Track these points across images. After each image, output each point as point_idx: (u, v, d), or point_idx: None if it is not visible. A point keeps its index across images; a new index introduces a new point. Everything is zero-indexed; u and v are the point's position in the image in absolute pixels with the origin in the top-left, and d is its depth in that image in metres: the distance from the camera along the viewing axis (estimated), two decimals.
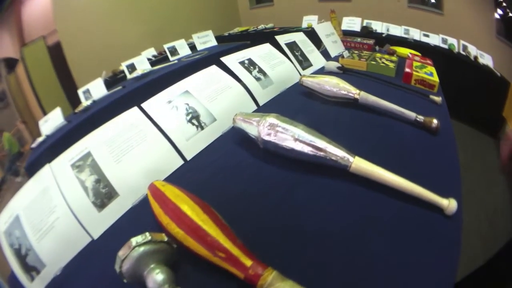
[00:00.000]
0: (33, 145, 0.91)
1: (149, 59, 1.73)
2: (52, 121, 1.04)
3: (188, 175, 0.64)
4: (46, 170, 0.56)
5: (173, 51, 1.90)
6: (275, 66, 1.06)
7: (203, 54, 1.95)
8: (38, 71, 1.13)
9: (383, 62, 1.24)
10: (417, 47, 1.74)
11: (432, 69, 1.21)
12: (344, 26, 2.11)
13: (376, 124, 0.78)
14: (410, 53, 1.43)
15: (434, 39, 1.77)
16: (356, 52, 1.40)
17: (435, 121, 0.72)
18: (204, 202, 0.44)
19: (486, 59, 1.41)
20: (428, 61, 1.36)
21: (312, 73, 1.19)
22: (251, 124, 0.64)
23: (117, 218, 0.55)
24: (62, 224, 0.51)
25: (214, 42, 2.11)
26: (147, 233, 0.37)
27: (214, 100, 0.80)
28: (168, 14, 1.92)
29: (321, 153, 0.55)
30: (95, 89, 1.30)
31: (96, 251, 0.51)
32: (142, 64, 1.66)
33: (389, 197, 0.51)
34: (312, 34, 1.45)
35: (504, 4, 1.30)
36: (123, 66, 1.55)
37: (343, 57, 1.26)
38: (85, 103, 1.18)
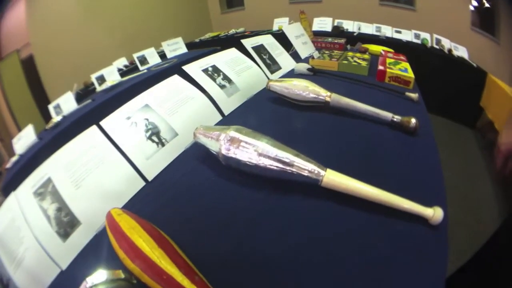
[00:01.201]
0: (8, 166, 0.90)
1: (120, 69, 1.68)
2: (24, 139, 1.00)
3: (148, 199, 0.58)
4: (11, 199, 0.54)
5: (143, 60, 1.84)
6: (241, 72, 0.99)
7: (172, 62, 1.90)
8: (13, 86, 1.12)
9: (355, 61, 1.18)
10: (390, 44, 1.72)
11: (406, 65, 1.16)
12: (315, 27, 2.10)
13: (350, 128, 0.72)
14: (383, 50, 1.38)
15: (407, 35, 1.78)
16: (327, 52, 1.35)
17: (413, 120, 0.66)
18: (161, 233, 0.41)
19: (460, 51, 1.44)
20: (402, 57, 1.31)
21: (281, 77, 1.13)
22: (211, 138, 0.57)
23: (82, 247, 0.52)
24: (31, 254, 0.49)
25: (184, 49, 2.05)
26: (103, 271, 0.35)
27: (175, 113, 0.74)
28: (139, 22, 1.88)
29: (288, 168, 0.48)
30: (65, 104, 1.25)
31: (67, 282, 0.47)
32: (112, 75, 1.61)
33: (366, 211, 0.45)
34: (282, 37, 1.40)
35: None
36: (93, 78, 1.50)
37: (313, 58, 1.20)
38: (55, 119, 1.13)
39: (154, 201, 0.57)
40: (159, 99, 0.75)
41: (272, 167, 0.49)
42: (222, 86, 0.90)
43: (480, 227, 0.86)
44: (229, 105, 0.88)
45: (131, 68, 1.72)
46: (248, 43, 1.09)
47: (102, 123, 0.64)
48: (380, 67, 1.07)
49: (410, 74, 1.02)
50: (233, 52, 1.05)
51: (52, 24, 1.36)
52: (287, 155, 0.49)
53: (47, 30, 1.32)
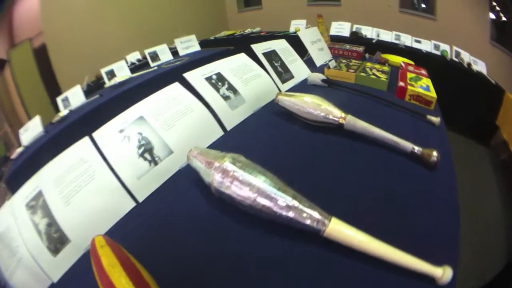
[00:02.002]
0: (13, 156, 0.91)
1: (133, 63, 1.76)
2: (31, 131, 1.02)
3: (136, 223, 0.54)
4: (6, 208, 0.54)
5: (154, 57, 1.85)
6: (249, 81, 0.92)
7: (184, 60, 1.88)
8: (24, 74, 1.14)
9: (373, 74, 1.10)
10: (409, 54, 1.65)
11: (428, 81, 1.08)
12: (332, 31, 2.06)
13: (364, 156, 0.65)
14: (403, 62, 1.29)
15: (426, 45, 1.72)
16: (344, 61, 1.27)
17: (434, 154, 0.59)
18: (142, 274, 0.37)
19: (479, 66, 1.38)
20: (423, 72, 1.23)
21: (293, 87, 1.05)
22: (205, 165, 0.51)
23: (72, 262, 0.50)
24: (24, 264, 0.49)
25: (197, 47, 2.09)
26: None
27: (172, 128, 0.68)
28: (156, 17, 1.94)
29: (285, 214, 0.42)
30: (74, 97, 1.28)
31: None
32: (122, 70, 1.63)
33: (369, 265, 0.39)
34: (297, 40, 1.34)
35: (498, 8, 1.26)
36: (103, 73, 1.54)
37: (329, 67, 1.12)
38: (61, 113, 1.16)
39: (141, 226, 0.53)
40: (155, 111, 0.68)
41: (268, 210, 0.43)
42: (226, 98, 0.83)
43: (487, 252, 0.84)
44: (232, 119, 0.81)
45: (142, 63, 1.77)
46: (259, 48, 1.01)
47: (94, 135, 0.60)
48: (401, 84, 0.98)
49: (432, 93, 0.94)
50: (241, 58, 0.98)
51: (66, 14, 1.36)
52: (285, 198, 0.42)
53: (61, 20, 1.33)
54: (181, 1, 2.17)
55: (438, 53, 1.66)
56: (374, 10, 1.98)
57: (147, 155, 0.62)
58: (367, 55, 1.54)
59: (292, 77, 1.08)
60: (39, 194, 0.53)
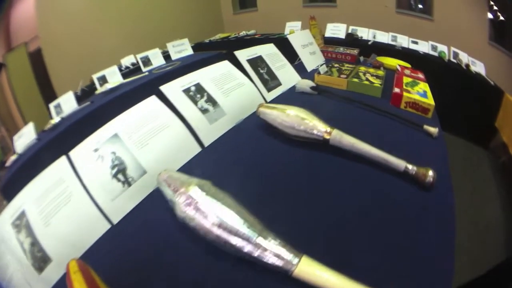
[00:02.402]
0: (8, 164, 0.90)
1: (127, 67, 1.70)
2: (25, 137, 1.01)
3: (111, 246, 0.52)
4: None
5: (146, 61, 1.79)
6: (231, 91, 0.85)
7: (175, 65, 1.81)
8: (19, 78, 1.13)
9: (367, 79, 1.03)
10: (406, 56, 1.59)
11: (425, 86, 1.01)
12: (328, 33, 2.00)
13: (351, 175, 0.59)
14: (399, 65, 1.22)
15: (424, 46, 1.66)
16: (336, 65, 1.20)
17: (430, 174, 0.52)
18: None
19: (478, 67, 1.34)
20: (420, 75, 1.16)
21: (281, 95, 0.99)
22: (171, 192, 0.47)
23: (56, 280, 0.49)
24: (17, 277, 0.50)
25: (190, 51, 2.01)
26: None
27: (145, 146, 0.64)
28: (151, 20, 1.88)
29: (251, 252, 0.37)
30: (66, 104, 1.25)
31: None
32: (114, 75, 1.59)
33: None
34: (290, 43, 1.26)
35: (496, 7, 1.23)
36: (94, 79, 1.49)
37: (319, 73, 1.06)
38: (53, 120, 1.13)
39: (116, 250, 0.51)
40: (130, 128, 0.64)
41: (232, 247, 0.38)
42: (204, 111, 0.77)
43: (485, 257, 0.80)
44: (210, 134, 0.75)
45: (134, 68, 1.69)
46: (243, 55, 0.95)
47: (71, 153, 0.59)
48: (396, 90, 0.91)
49: (429, 100, 0.87)
50: (224, 66, 0.91)
51: (62, 18, 1.34)
52: (251, 235, 0.38)
53: (56, 24, 1.32)
54: (177, 4, 2.11)
55: (435, 54, 1.60)
56: (371, 11, 1.90)
57: (120, 176, 0.59)
58: (361, 58, 1.47)
59: (280, 84, 1.01)
60: (23, 214, 0.53)
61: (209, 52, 2.10)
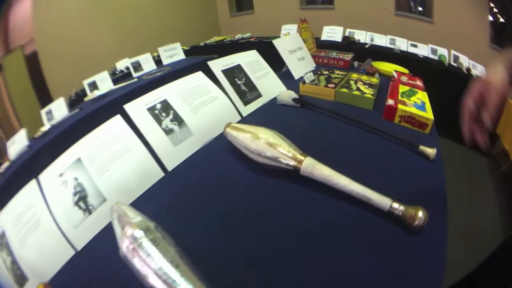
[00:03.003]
0: (0, 170, 0.90)
1: (121, 71, 1.74)
2: (18, 143, 1.02)
3: (76, 272, 0.50)
4: None
5: (137, 67, 1.80)
6: (201, 107, 0.76)
7: (165, 70, 1.82)
8: (16, 81, 1.14)
9: (358, 89, 0.93)
10: (405, 60, 1.59)
11: (423, 96, 0.90)
12: (324, 36, 1.99)
13: (325, 213, 0.47)
14: (396, 71, 1.11)
15: (423, 50, 1.64)
16: (326, 72, 1.10)
17: (420, 215, 0.42)
18: None
19: (479, 71, 1.32)
20: (418, 83, 1.05)
21: (260, 108, 0.89)
22: (119, 228, 0.43)
23: None
24: None
25: (182, 56, 2.02)
26: None
27: (106, 172, 0.60)
28: (147, 23, 1.91)
29: None
30: (57, 110, 1.26)
31: None
32: (104, 81, 1.60)
33: None
34: None
35: (496, 9, 1.20)
36: (85, 85, 1.51)
37: (304, 82, 0.95)
38: (43, 127, 1.13)
39: (81, 276, 0.49)
40: (92, 152, 0.61)
41: None
42: (168, 131, 0.69)
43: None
44: (174, 157, 0.67)
45: (125, 74, 1.73)
46: (217, 65, 0.85)
47: (40, 177, 0.58)
48: (390, 102, 0.81)
49: (428, 114, 0.77)
50: (196, 78, 0.81)
51: (57, 21, 1.35)
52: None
53: (52, 27, 1.32)
54: (174, 6, 2.12)
55: (435, 57, 1.55)
56: (369, 14, 1.88)
57: (81, 204, 0.57)
58: (356, 63, 1.36)
59: (260, 95, 0.91)
60: (3, 234, 0.54)
61: (199, 57, 2.06)
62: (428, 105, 0.83)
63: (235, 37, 2.41)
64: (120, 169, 0.61)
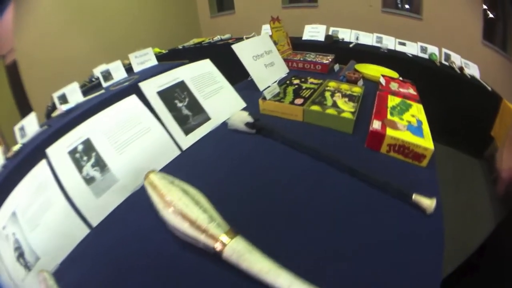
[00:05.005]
0: None
1: (97, 79, 1.70)
2: None
3: None
4: None
5: (107, 76, 1.79)
6: (128, 144, 0.60)
7: (133, 79, 1.76)
8: None
9: (334, 104, 0.74)
10: (393, 59, 1.48)
11: (419, 110, 0.73)
12: (306, 36, 1.91)
13: None
14: (384, 76, 0.92)
15: (412, 48, 1.53)
16: (296, 81, 0.90)
17: None
18: None
19: (472, 69, 1.25)
20: (411, 90, 0.87)
21: (206, 135, 0.69)
22: None
23: None
24: None
25: (154, 61, 1.98)
26: None
27: (37, 227, 0.53)
28: (125, 27, 1.87)
29: None
30: (29, 126, 1.24)
31: None
32: (74, 93, 1.56)
33: None
34: None
35: (485, 6, 1.16)
36: (54, 98, 1.48)
37: (264, 99, 0.76)
38: (15, 147, 1.12)
39: None
40: (22, 204, 0.55)
41: None
42: (89, 180, 0.56)
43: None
44: (97, 210, 0.55)
45: (94, 84, 1.69)
46: (151, 86, 0.65)
47: None
48: (375, 125, 0.62)
49: (426, 141, 0.57)
50: (128, 104, 0.62)
51: (36, 29, 1.33)
52: None
53: (31, 36, 1.31)
54: (154, 10, 2.08)
55: (426, 56, 1.43)
56: (354, 11, 1.78)
57: (21, 260, 0.53)
58: (337, 66, 1.17)
59: (207, 119, 0.71)
60: None
61: (171, 62, 2.00)
62: (425, 126, 0.64)
63: (214, 38, 2.31)
64: (48, 223, 0.54)
